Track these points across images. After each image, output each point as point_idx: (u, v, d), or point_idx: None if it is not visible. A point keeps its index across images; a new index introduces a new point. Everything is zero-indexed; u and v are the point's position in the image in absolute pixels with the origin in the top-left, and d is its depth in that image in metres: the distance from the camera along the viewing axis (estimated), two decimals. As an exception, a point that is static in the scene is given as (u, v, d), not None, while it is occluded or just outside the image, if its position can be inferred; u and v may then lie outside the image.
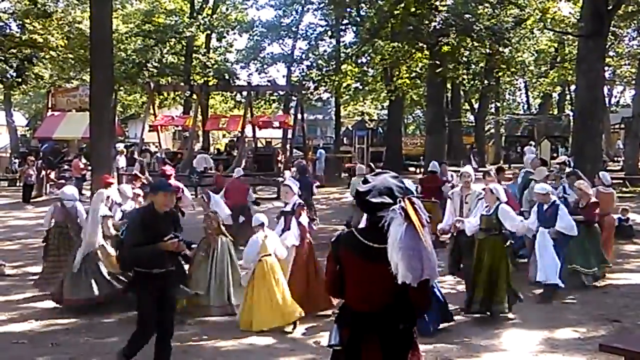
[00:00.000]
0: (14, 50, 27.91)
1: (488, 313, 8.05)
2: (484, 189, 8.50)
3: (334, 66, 31.14)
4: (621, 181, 21.61)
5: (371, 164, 19.87)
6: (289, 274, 8.14)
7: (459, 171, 10.26)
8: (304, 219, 8.49)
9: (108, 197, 9.31)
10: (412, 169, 32.72)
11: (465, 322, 8.03)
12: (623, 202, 15.86)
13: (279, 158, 24.94)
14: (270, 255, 7.82)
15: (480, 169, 18.60)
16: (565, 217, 9.00)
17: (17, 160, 30.02)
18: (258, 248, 7.79)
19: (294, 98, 33.88)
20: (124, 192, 9.89)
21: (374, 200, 3.59)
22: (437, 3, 19.62)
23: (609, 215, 10.69)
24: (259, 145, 29.17)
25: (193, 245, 6.48)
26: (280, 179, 16.56)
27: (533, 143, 32.07)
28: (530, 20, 20.86)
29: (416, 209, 3.41)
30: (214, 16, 37.70)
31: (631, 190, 20.24)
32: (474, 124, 43.02)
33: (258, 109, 34.90)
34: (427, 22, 19.54)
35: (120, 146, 26.72)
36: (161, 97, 35.21)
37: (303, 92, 29.38)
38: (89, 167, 19.29)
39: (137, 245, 5.97)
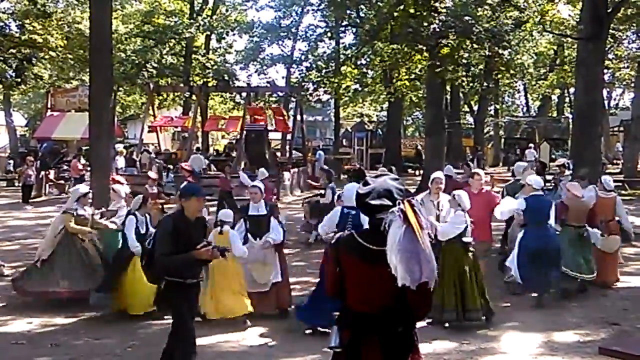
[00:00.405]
0: (14, 51, 27.89)
1: (464, 322, 7.79)
2: (452, 195, 8.24)
3: (334, 68, 31.17)
4: (620, 184, 21.63)
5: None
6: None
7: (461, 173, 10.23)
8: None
9: (86, 194, 9.33)
10: (411, 170, 32.75)
11: (465, 325, 8.01)
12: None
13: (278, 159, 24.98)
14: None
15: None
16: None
17: (11, 162, 30.02)
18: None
19: (293, 99, 33.91)
20: (118, 191, 9.92)
21: (373, 202, 3.60)
22: (437, 5, 19.61)
23: (613, 222, 10.13)
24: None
25: (227, 253, 6.07)
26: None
27: (532, 145, 32.08)
28: (530, 22, 20.90)
29: (415, 212, 3.41)
30: (214, 17, 37.69)
31: (630, 193, 20.28)
32: (473, 126, 43.06)
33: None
34: (426, 24, 19.51)
35: (119, 147, 26.73)
36: (160, 97, 35.20)
37: (302, 93, 29.43)
38: (88, 168, 19.30)
39: (169, 254, 5.60)
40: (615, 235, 10.04)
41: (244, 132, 24.93)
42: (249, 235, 8.32)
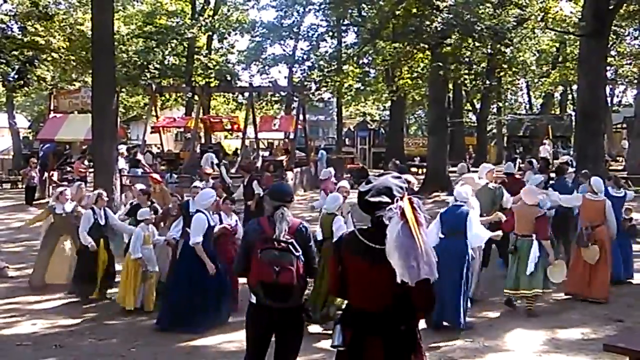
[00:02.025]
0: (16, 53, 27.87)
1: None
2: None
3: (336, 67, 31.12)
4: (624, 181, 21.57)
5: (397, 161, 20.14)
6: None
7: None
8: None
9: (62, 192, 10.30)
10: (414, 169, 32.72)
11: (468, 323, 8.00)
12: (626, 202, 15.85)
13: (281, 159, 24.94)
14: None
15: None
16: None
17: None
18: (142, 240, 8.57)
19: (295, 99, 33.90)
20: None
21: (372, 199, 3.60)
22: (439, 3, 19.60)
23: (601, 228, 9.15)
24: (261, 146, 29.19)
25: None
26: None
27: (546, 142, 31.73)
28: (532, 20, 20.82)
29: (414, 208, 3.41)
30: (216, 17, 37.69)
31: (634, 189, 20.21)
32: (476, 124, 42.99)
33: (260, 110, 34.90)
34: (428, 22, 19.51)
35: (122, 148, 26.73)
36: (163, 98, 35.20)
37: (305, 92, 29.38)
38: (90, 170, 19.31)
39: None
40: (595, 245, 9.01)
41: (246, 133, 24.88)
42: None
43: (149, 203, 9.86)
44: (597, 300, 8.94)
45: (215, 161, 22.20)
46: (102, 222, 9.31)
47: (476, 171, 10.99)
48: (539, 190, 9.07)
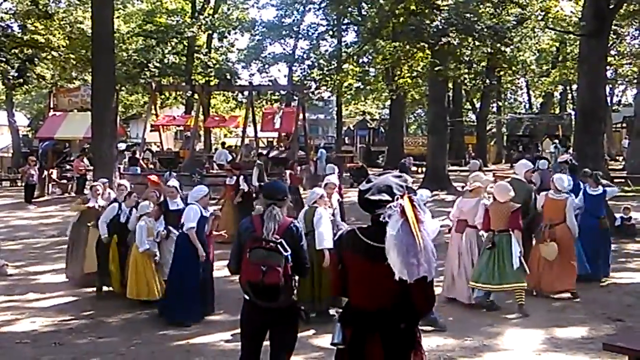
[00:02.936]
0: (16, 51, 27.87)
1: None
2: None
3: (336, 66, 31.13)
4: (623, 180, 21.64)
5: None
6: None
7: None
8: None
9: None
10: (414, 168, 32.73)
11: (468, 322, 8.02)
12: (625, 201, 15.92)
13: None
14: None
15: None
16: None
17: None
18: (147, 231, 8.73)
19: (295, 98, 33.89)
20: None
21: (372, 197, 3.60)
22: (439, 2, 19.59)
23: (561, 226, 9.17)
24: (261, 144, 29.22)
25: None
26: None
27: (557, 142, 31.61)
28: (532, 19, 20.80)
29: (414, 206, 3.41)
30: (216, 16, 37.70)
31: (633, 189, 20.25)
32: (475, 124, 43.02)
33: (259, 109, 34.89)
34: (428, 21, 19.49)
35: (121, 146, 26.75)
36: (163, 97, 35.21)
37: (304, 91, 29.38)
38: (89, 168, 19.31)
39: None
40: (554, 242, 9.03)
41: (246, 131, 24.93)
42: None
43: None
44: (549, 294, 9.16)
45: (229, 158, 22.32)
46: (123, 220, 9.38)
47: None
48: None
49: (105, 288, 9.55)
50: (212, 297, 8.59)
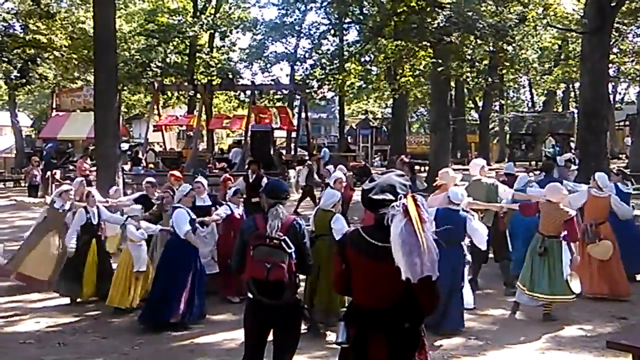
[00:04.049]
0: (18, 51, 27.92)
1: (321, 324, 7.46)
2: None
3: (338, 65, 31.10)
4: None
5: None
6: None
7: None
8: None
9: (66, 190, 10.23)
10: (417, 167, 32.69)
11: (472, 320, 8.01)
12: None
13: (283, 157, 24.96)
14: None
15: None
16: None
17: None
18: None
19: (297, 97, 33.88)
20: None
21: (375, 197, 3.61)
22: (440, 0, 19.59)
23: (605, 225, 9.05)
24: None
25: None
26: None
27: (573, 142, 31.34)
28: (534, 17, 20.80)
29: (418, 205, 3.40)
30: (217, 15, 37.69)
31: (637, 187, 20.19)
32: (478, 122, 42.99)
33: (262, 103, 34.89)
34: (430, 20, 19.51)
35: (124, 146, 26.77)
36: (165, 96, 35.23)
37: (307, 90, 29.37)
38: (92, 169, 19.30)
39: None
40: (606, 240, 8.85)
41: (249, 131, 24.97)
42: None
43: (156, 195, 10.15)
44: (621, 298, 8.82)
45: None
46: (95, 221, 9.19)
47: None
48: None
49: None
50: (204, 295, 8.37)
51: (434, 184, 9.14)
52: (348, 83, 35.35)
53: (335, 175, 9.42)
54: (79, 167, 21.60)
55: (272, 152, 24.26)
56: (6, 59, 27.45)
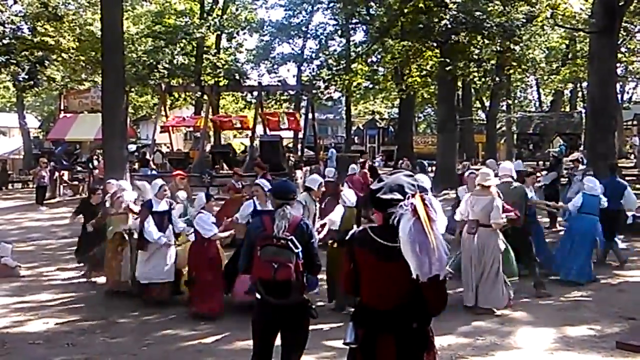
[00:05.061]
0: (26, 53, 28.05)
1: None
2: None
3: (344, 65, 31.14)
4: (635, 178, 21.49)
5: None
6: None
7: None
8: None
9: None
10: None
11: (480, 321, 8.00)
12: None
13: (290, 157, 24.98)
14: None
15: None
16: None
17: None
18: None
19: (304, 97, 33.92)
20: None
21: (384, 196, 3.60)
22: (447, 0, 19.56)
23: None
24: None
25: None
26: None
27: (562, 143, 31.30)
28: (541, 17, 20.74)
29: (426, 205, 3.40)
30: (224, 17, 37.79)
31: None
32: (485, 122, 42.88)
33: (269, 109, 34.96)
34: (437, 20, 19.48)
35: (131, 148, 26.86)
36: (172, 98, 35.33)
37: (313, 91, 29.43)
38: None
39: None
40: None
41: (258, 139, 25.08)
42: None
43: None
44: None
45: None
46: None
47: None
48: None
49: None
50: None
51: (476, 184, 8.76)
52: (355, 83, 35.37)
53: (314, 178, 9.17)
54: (100, 169, 21.63)
55: (280, 161, 24.17)
56: (14, 61, 27.57)
